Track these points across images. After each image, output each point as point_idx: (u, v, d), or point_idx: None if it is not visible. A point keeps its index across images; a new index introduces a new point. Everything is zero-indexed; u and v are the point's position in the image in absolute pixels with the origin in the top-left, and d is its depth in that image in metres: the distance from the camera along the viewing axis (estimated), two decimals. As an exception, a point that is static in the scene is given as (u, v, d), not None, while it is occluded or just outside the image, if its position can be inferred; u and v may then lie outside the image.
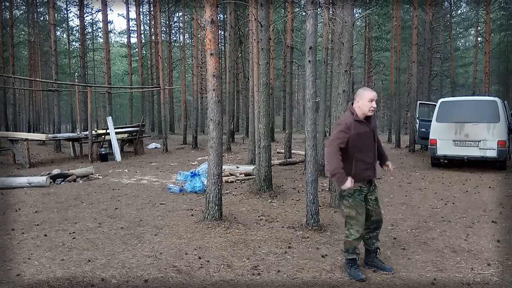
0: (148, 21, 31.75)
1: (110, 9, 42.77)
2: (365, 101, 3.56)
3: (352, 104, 3.68)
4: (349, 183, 3.46)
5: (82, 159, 13.71)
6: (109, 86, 22.46)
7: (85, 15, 30.57)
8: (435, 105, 10.78)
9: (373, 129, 3.67)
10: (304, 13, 20.09)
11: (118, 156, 13.54)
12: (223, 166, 6.40)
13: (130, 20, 31.28)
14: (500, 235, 4.82)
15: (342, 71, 6.19)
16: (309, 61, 5.09)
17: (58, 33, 33.50)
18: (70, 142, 15.09)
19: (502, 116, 9.40)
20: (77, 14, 32.16)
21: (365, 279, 3.56)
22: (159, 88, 19.53)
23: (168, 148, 16.37)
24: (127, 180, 9.35)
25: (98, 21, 36.24)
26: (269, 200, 6.92)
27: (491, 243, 4.53)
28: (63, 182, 8.97)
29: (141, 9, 29.48)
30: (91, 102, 14.55)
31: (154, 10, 25.18)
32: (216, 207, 5.38)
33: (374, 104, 3.55)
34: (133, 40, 34.78)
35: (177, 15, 33.18)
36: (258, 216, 5.81)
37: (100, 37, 37.21)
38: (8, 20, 24.55)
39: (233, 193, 7.62)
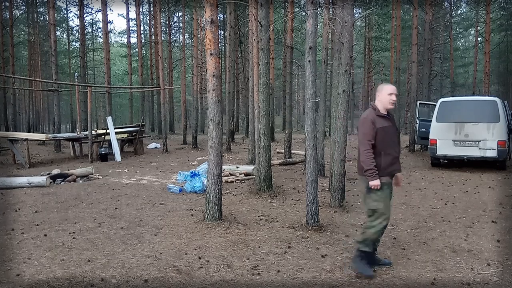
0: (148, 21, 31.73)
1: (110, 9, 42.80)
2: (385, 94, 3.70)
3: (373, 102, 3.82)
4: (377, 182, 3.58)
5: (82, 159, 13.71)
6: (109, 86, 22.46)
7: (85, 15, 30.57)
8: (435, 105, 10.78)
9: (395, 125, 3.82)
10: (304, 13, 20.09)
11: (118, 156, 13.54)
12: (223, 166, 6.40)
13: (130, 20, 31.29)
14: (500, 235, 4.82)
15: (342, 71, 6.19)
16: (309, 61, 5.09)
17: (58, 33, 33.53)
18: (70, 142, 15.09)
19: (502, 116, 9.40)
20: (77, 14, 32.17)
21: (373, 276, 3.59)
22: (159, 88, 19.53)
23: (168, 148, 16.37)
24: (127, 180, 9.35)
25: (98, 21, 36.27)
26: (269, 200, 6.92)
27: (491, 243, 4.53)
28: (63, 182, 8.97)
29: (141, 9, 29.47)
30: (91, 102, 14.55)
31: (154, 10, 25.17)
32: (216, 207, 5.38)
33: (393, 97, 3.69)
34: (133, 40, 34.79)
35: (177, 15, 33.17)
36: (258, 216, 5.81)
37: (100, 37, 37.22)
38: (8, 20, 24.55)
39: (233, 193, 7.62)
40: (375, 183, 3.58)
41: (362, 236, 3.74)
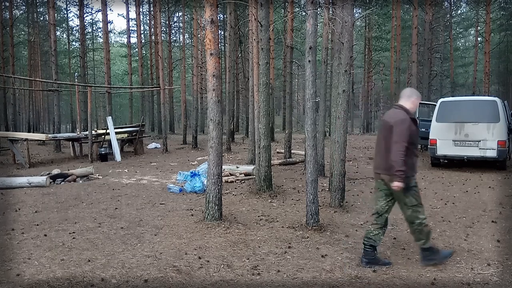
0: (148, 21, 31.74)
1: (110, 9, 42.82)
2: (417, 101, 3.92)
3: (398, 102, 3.93)
4: (402, 184, 3.68)
5: (82, 159, 13.71)
6: (109, 86, 22.46)
7: (85, 15, 30.56)
8: (435, 105, 10.77)
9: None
10: (304, 13, 20.10)
11: (118, 156, 13.54)
12: (223, 166, 6.40)
13: (130, 20, 31.29)
14: (500, 235, 4.83)
15: (342, 71, 6.18)
16: (309, 61, 5.09)
17: (58, 33, 33.53)
18: (70, 142, 15.09)
19: (502, 116, 9.40)
20: (77, 14, 32.14)
21: (452, 252, 4.06)
22: (159, 88, 19.53)
23: (168, 148, 16.37)
24: (127, 180, 9.35)
25: (98, 21, 36.27)
26: (269, 200, 6.92)
27: (491, 243, 4.53)
28: (63, 182, 8.97)
29: (141, 9, 29.47)
30: (91, 102, 14.55)
31: (154, 10, 25.17)
32: (216, 207, 5.38)
33: None
34: (133, 40, 34.78)
35: (177, 15, 33.17)
36: (258, 216, 5.81)
37: (100, 37, 37.23)
38: (8, 20, 24.56)
39: (233, 193, 7.62)
40: (401, 185, 3.66)
41: (424, 235, 3.84)
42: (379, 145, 3.93)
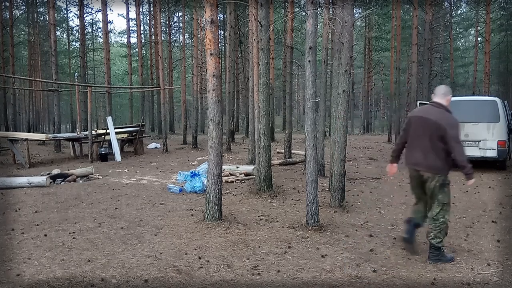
0: (148, 21, 31.73)
1: (110, 9, 42.82)
2: (451, 99, 4.01)
3: (434, 100, 4.01)
4: (474, 180, 3.90)
5: (82, 159, 13.71)
6: (109, 86, 22.44)
7: (85, 15, 30.56)
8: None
9: None
10: (304, 13, 20.09)
11: (118, 156, 13.54)
12: (223, 166, 6.40)
13: (130, 20, 31.27)
14: (500, 235, 4.83)
15: (342, 71, 6.19)
16: (309, 61, 5.09)
17: (58, 33, 33.52)
18: (70, 142, 15.08)
19: (502, 116, 9.41)
20: (77, 14, 32.14)
21: (454, 258, 4.06)
22: (159, 88, 19.52)
23: (168, 148, 16.37)
24: (127, 180, 9.35)
25: (98, 21, 36.24)
26: (269, 200, 6.92)
27: (491, 243, 4.54)
28: (63, 182, 8.97)
29: (141, 9, 29.46)
30: (91, 102, 14.55)
31: (154, 10, 25.17)
32: (216, 207, 5.38)
33: None
34: (133, 40, 34.76)
35: (177, 15, 33.15)
36: (258, 216, 5.81)
37: (100, 37, 37.21)
38: (8, 20, 24.54)
39: (233, 193, 7.63)
40: (474, 181, 3.86)
41: (443, 234, 3.96)
42: (419, 142, 3.97)
